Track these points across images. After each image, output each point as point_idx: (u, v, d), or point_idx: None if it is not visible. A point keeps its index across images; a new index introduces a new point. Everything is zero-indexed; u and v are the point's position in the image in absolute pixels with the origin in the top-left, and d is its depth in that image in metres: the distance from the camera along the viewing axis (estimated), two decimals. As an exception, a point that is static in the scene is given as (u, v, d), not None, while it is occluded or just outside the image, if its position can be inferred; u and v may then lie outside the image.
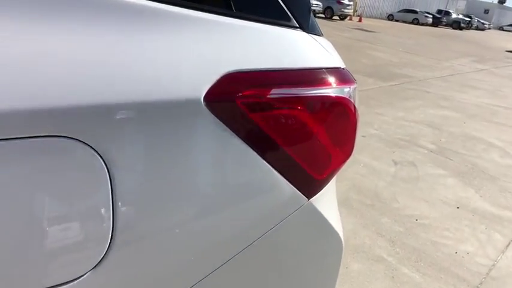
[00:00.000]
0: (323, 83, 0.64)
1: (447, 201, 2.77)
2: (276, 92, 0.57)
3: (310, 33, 0.68)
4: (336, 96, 0.66)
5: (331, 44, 0.78)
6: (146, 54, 0.48)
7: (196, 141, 0.52)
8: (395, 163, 3.36)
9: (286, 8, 0.64)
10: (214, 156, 0.54)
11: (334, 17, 24.06)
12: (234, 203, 0.58)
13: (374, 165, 3.25)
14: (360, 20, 24.52)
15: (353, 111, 0.69)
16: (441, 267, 2.04)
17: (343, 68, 0.71)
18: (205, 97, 0.51)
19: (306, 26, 0.67)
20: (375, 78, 7.05)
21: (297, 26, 0.65)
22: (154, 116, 0.48)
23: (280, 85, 0.58)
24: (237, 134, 0.54)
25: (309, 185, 0.66)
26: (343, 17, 24.72)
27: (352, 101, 0.69)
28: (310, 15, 0.70)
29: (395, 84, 6.75)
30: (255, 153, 0.56)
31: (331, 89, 0.65)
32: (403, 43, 14.53)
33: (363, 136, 3.94)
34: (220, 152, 0.54)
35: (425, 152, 3.72)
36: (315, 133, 0.63)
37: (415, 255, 2.12)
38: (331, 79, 0.65)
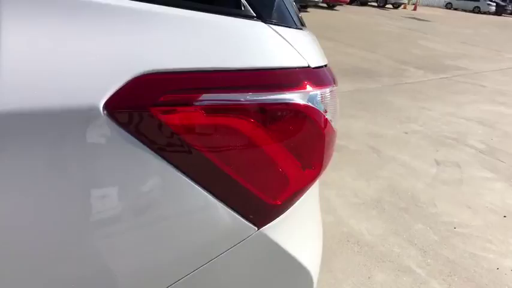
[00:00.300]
0: (277, 86, 0.52)
1: (493, 209, 2.49)
2: (208, 98, 0.46)
3: (274, 24, 0.55)
4: (295, 104, 0.53)
5: (310, 38, 0.65)
6: (24, 50, 0.37)
7: (96, 158, 0.41)
8: (438, 163, 3.09)
9: None
10: (120, 176, 0.43)
11: (387, 6, 22.93)
12: (150, 233, 0.47)
13: (414, 165, 3.01)
14: (414, 9, 23.18)
15: (320, 122, 0.56)
16: (478, 284, 1.83)
17: (315, 68, 0.57)
18: (106, 104, 0.40)
19: (267, 15, 0.55)
20: (425, 70, 6.59)
21: (254, 15, 0.53)
22: (36, 128, 0.38)
23: (215, 89, 0.46)
24: (153, 150, 0.43)
25: (259, 212, 0.54)
26: (396, 6, 23.49)
27: (319, 108, 0.56)
28: (275, 2, 0.58)
29: (447, 77, 6.27)
30: (179, 173, 0.45)
31: (289, 94, 0.52)
32: (459, 33, 13.50)
33: (405, 133, 3.69)
34: (129, 171, 0.43)
35: (473, 152, 3.39)
36: (264, 149, 0.51)
37: (449, 268, 1.91)
38: (291, 82, 0.53)
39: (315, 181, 0.61)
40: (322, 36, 8.71)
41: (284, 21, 0.58)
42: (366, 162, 2.97)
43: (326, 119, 0.58)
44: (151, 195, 0.45)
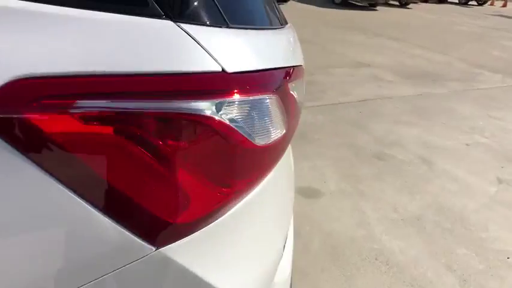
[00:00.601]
0: (174, 94, 0.47)
1: (560, 240, 2.15)
2: (87, 105, 0.43)
3: (188, 23, 0.49)
4: (189, 114, 0.47)
5: (249, 37, 0.58)
6: None
7: None
8: (500, 181, 2.75)
9: None
10: None
11: (470, 3, 21.06)
12: (26, 248, 0.44)
13: (470, 181, 2.72)
14: (504, 5, 20.97)
15: (227, 135, 0.51)
16: (525, 326, 1.59)
17: (235, 73, 0.52)
18: None
19: (179, 14, 0.49)
20: (503, 74, 5.93)
21: (161, 13, 0.48)
22: None
23: (96, 95, 0.43)
24: (29, 158, 0.41)
25: (156, 230, 0.50)
26: (482, 2, 21.42)
27: (227, 119, 0.50)
28: None
29: (530, 84, 5.57)
30: (57, 183, 0.43)
31: (187, 103, 0.47)
32: (555, 33, 11.93)
33: (466, 144, 3.35)
34: (2, 180, 0.41)
35: (546, 171, 2.96)
36: (157, 162, 0.47)
37: (491, 303, 1.69)
38: (193, 89, 0.48)
39: (231, 200, 0.56)
40: (387, 36, 8.26)
41: (205, 19, 0.53)
42: (413, 175, 2.74)
43: (236, 131, 0.52)
44: (27, 206, 0.43)
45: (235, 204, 0.58)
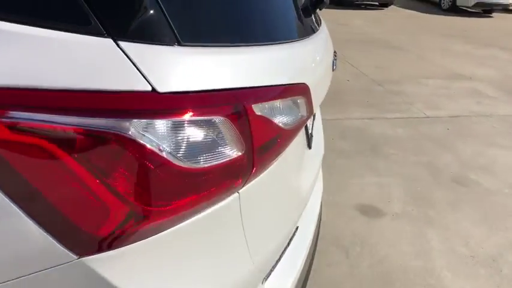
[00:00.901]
0: (98, 111, 0.48)
1: None
2: (15, 116, 0.45)
3: (130, 42, 0.50)
4: (110, 133, 0.48)
5: (213, 57, 0.58)
6: None
7: None
8: None
9: (87, 3, 0.48)
10: None
11: None
12: None
13: None
14: None
15: (147, 156, 0.50)
16: None
17: (168, 93, 0.51)
18: None
19: (122, 32, 0.50)
20: None
21: (103, 32, 0.49)
22: None
23: (24, 108, 0.46)
24: None
25: (78, 238, 0.50)
26: None
27: (144, 141, 0.49)
28: (145, 16, 0.52)
29: None
30: None
31: (108, 121, 0.48)
32: None
33: None
34: None
35: None
36: (74, 177, 0.48)
37: None
38: (117, 107, 0.48)
39: (162, 220, 0.54)
40: (499, 47, 7.32)
41: (151, 38, 0.52)
42: (498, 207, 2.38)
43: (156, 153, 0.50)
44: None
45: (174, 224, 0.57)
